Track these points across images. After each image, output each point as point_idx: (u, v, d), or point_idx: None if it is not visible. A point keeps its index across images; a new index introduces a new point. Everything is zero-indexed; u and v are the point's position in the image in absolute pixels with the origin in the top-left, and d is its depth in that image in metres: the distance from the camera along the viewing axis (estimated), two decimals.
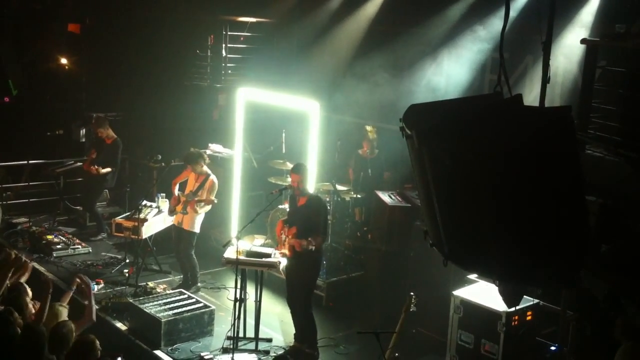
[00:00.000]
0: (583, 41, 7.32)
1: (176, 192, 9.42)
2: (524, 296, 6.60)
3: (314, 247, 7.59)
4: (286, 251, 7.86)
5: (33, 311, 6.71)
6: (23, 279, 7.17)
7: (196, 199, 9.24)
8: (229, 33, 13.61)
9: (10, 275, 7.08)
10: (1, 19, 14.76)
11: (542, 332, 7.58)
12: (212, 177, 9.38)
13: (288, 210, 9.08)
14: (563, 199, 3.32)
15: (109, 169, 11.24)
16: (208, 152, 11.51)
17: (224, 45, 13.62)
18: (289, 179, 9.72)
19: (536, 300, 7.28)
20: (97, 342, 5.89)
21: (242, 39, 13.90)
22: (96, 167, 11.13)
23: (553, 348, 7.45)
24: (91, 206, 11.55)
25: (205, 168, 9.40)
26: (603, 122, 7.01)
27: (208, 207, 9.38)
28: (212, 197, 9.31)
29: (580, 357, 7.21)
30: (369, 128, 10.83)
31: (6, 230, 11.20)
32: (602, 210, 5.78)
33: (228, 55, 13.73)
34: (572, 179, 3.32)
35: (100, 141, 11.41)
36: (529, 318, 7.19)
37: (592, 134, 7.00)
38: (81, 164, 12.96)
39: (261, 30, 13.88)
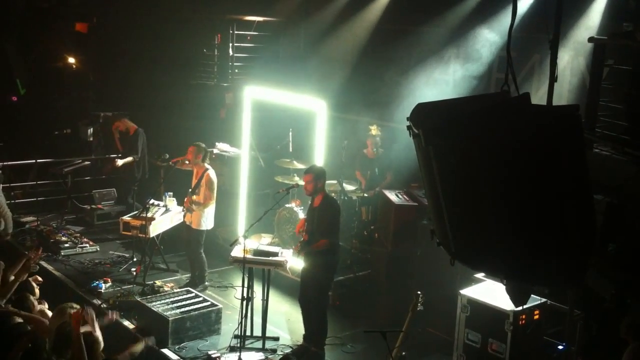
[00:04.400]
0: (591, 40, 7.30)
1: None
2: (531, 295, 6.59)
3: (299, 255, 7.84)
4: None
5: (38, 309, 6.74)
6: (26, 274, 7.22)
7: (194, 197, 9.29)
8: (235, 32, 13.65)
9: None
10: (9, 19, 14.81)
11: (550, 331, 7.57)
12: (209, 171, 9.41)
13: (295, 208, 9.14)
14: (570, 197, 3.32)
15: (128, 159, 11.32)
16: (215, 150, 11.55)
17: (231, 44, 13.66)
18: (296, 178, 9.77)
19: (543, 299, 7.27)
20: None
21: (249, 38, 13.93)
22: (116, 160, 11.21)
23: (560, 347, 7.43)
24: (125, 199, 11.57)
25: (203, 163, 9.42)
26: (610, 121, 6.99)
27: (207, 204, 9.37)
28: (211, 193, 9.31)
29: (587, 356, 7.20)
30: (372, 127, 10.83)
31: (15, 229, 11.25)
32: (608, 210, 5.77)
33: (235, 54, 13.76)
34: (579, 178, 3.32)
35: (125, 135, 11.47)
36: (536, 317, 7.17)
37: (600, 133, 6.98)
38: (89, 162, 13.07)
39: (268, 30, 13.90)
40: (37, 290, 7.16)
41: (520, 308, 6.72)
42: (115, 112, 12.16)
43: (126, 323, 8.45)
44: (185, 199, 9.40)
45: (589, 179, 3.36)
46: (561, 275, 3.59)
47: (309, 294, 7.96)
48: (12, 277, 7.13)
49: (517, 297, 3.99)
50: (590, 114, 6.97)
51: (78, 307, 6.48)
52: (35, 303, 6.79)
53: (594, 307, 7.19)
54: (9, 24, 14.79)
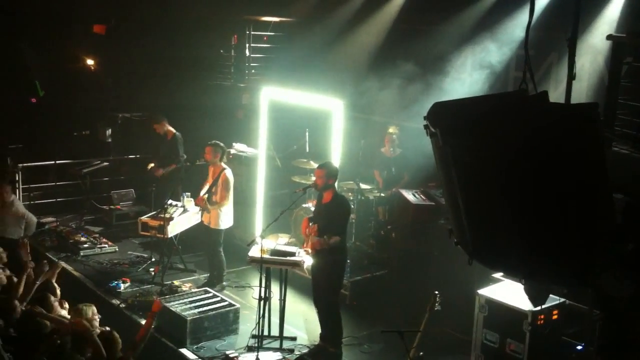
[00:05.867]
0: (609, 37, 7.24)
1: (202, 192, 9.50)
2: (550, 295, 6.56)
3: (327, 246, 7.62)
4: (309, 249, 7.89)
5: (59, 310, 6.80)
6: (53, 279, 7.30)
7: (213, 198, 9.33)
8: (252, 33, 13.69)
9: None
10: (26, 20, 14.93)
11: (568, 332, 7.52)
12: (226, 171, 9.45)
13: (313, 208, 9.12)
14: (589, 196, 3.30)
15: (172, 167, 11.21)
16: (233, 151, 11.57)
17: (247, 45, 13.71)
18: (313, 178, 9.78)
19: (562, 299, 7.22)
20: (116, 333, 5.99)
21: (265, 38, 13.96)
22: (151, 165, 11.24)
23: (579, 347, 7.38)
24: (158, 201, 11.61)
25: (220, 162, 9.46)
26: (629, 119, 6.93)
27: (223, 204, 9.41)
28: (227, 193, 9.36)
29: (607, 357, 7.13)
30: (391, 127, 10.82)
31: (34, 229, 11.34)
32: (628, 209, 5.71)
33: (251, 55, 13.80)
34: (598, 177, 3.30)
35: (163, 138, 11.47)
36: (554, 317, 7.13)
37: (619, 131, 6.92)
38: (107, 163, 13.15)
39: (284, 30, 13.93)
40: (58, 291, 7.22)
41: (538, 308, 6.68)
42: (154, 113, 11.98)
43: (144, 322, 8.50)
44: (199, 198, 9.43)
45: (607, 177, 3.34)
46: (580, 276, 3.57)
47: (321, 294, 7.97)
48: (32, 277, 7.20)
49: (536, 297, 3.98)
50: (609, 112, 6.91)
51: (93, 306, 6.57)
52: (56, 304, 6.85)
53: (613, 308, 7.12)
54: (27, 26, 14.91)
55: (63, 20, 15.28)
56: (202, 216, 9.65)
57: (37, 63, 14.85)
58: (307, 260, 8.18)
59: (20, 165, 12.10)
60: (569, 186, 3.26)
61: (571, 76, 4.82)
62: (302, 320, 8.88)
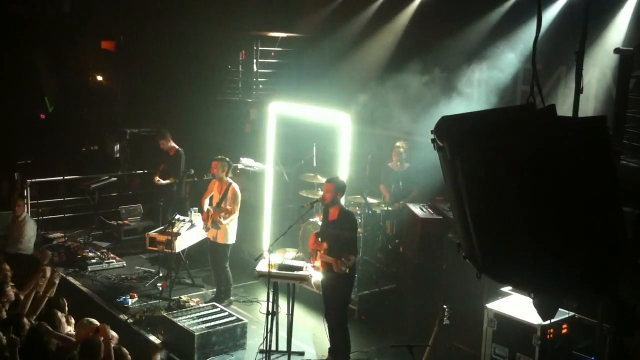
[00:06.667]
0: (617, 51, 7.25)
1: (205, 207, 9.51)
2: (560, 309, 6.51)
3: (347, 269, 7.59)
4: (318, 264, 7.87)
5: (67, 327, 6.80)
6: (51, 292, 7.31)
7: (219, 211, 9.33)
8: (260, 48, 13.75)
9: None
10: (38, 37, 15.06)
11: (578, 346, 7.46)
12: (234, 185, 9.47)
13: (321, 223, 9.10)
14: (599, 210, 3.28)
15: (169, 180, 11.32)
16: (240, 165, 11.60)
17: (255, 60, 13.76)
18: (320, 192, 9.78)
19: (572, 313, 7.17)
20: (125, 349, 5.98)
21: (273, 54, 14.02)
22: (157, 178, 11.33)
23: None
24: (165, 217, 11.68)
25: (226, 177, 9.48)
26: (638, 132, 6.92)
27: (233, 217, 9.43)
28: (236, 206, 9.38)
29: None
30: (398, 142, 10.82)
31: (42, 244, 11.37)
32: (638, 221, 5.69)
33: (259, 70, 13.85)
34: (608, 190, 3.28)
35: (165, 153, 11.57)
36: (564, 331, 7.09)
37: (627, 144, 6.90)
38: (115, 179, 13.19)
39: (292, 45, 13.99)
40: (66, 307, 7.23)
41: (548, 322, 6.64)
42: (160, 129, 12.05)
43: (152, 338, 8.50)
44: (210, 213, 9.42)
45: (617, 190, 3.32)
46: (591, 289, 3.54)
47: (331, 308, 7.94)
48: (41, 293, 7.22)
49: (545, 310, 3.94)
50: (618, 126, 6.90)
51: (97, 322, 6.55)
52: (63, 320, 6.85)
53: (625, 321, 7.07)
54: (38, 43, 15.04)
55: (73, 37, 15.43)
56: (207, 231, 9.63)
57: (47, 78, 14.99)
58: (315, 275, 8.16)
59: (29, 180, 12.16)
60: (579, 197, 3.25)
61: (579, 90, 4.82)
62: (310, 335, 8.85)
